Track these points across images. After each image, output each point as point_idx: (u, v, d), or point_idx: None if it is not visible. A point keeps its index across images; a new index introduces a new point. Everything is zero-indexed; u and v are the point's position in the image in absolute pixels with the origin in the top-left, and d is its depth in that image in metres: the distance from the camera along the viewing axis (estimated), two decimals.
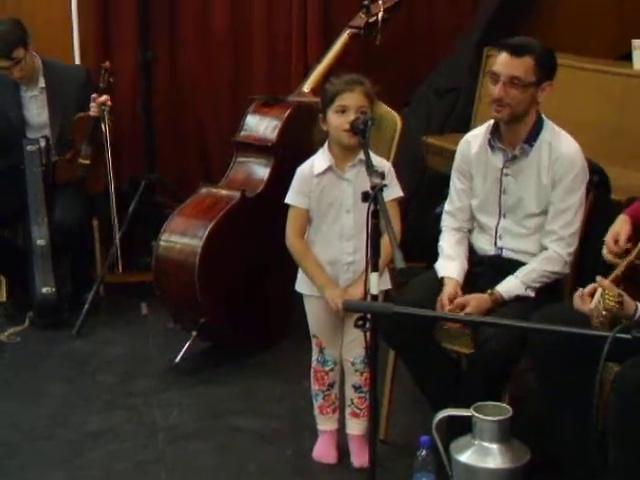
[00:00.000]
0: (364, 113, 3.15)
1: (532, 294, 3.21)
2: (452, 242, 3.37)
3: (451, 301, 3.19)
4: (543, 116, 3.26)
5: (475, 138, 3.37)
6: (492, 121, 3.30)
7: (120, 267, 4.57)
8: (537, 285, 3.21)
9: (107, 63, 4.61)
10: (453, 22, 5.33)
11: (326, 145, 3.29)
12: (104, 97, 4.49)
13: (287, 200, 3.33)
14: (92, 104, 4.50)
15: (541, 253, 3.24)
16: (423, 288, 3.29)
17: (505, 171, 3.27)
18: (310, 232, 3.34)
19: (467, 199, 3.39)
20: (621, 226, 3.01)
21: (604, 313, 2.58)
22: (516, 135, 3.24)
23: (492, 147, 3.29)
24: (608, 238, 2.98)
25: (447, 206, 3.44)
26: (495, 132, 3.29)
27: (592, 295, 2.66)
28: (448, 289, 3.23)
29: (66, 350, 4.36)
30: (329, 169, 3.27)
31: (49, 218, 4.57)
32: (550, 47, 3.27)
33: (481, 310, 3.14)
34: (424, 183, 4.93)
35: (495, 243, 3.34)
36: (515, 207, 3.29)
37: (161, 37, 5.18)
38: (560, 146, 3.21)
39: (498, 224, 3.32)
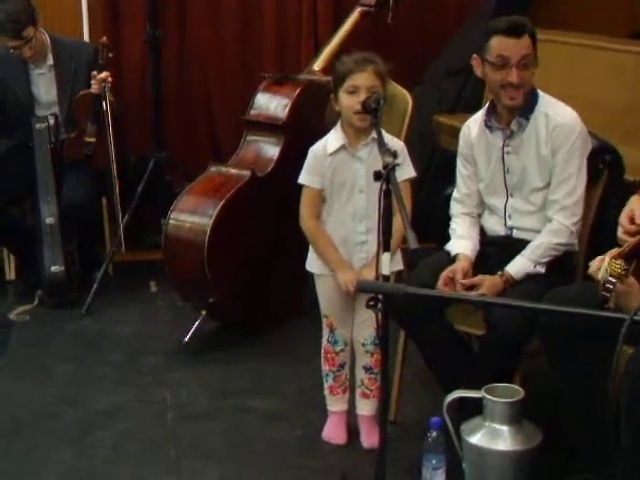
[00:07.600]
0: (375, 93, 3.12)
1: (542, 270, 3.18)
2: (463, 225, 3.35)
3: (464, 276, 3.17)
4: (538, 89, 3.23)
5: (475, 122, 3.35)
6: (489, 102, 3.28)
7: (123, 247, 4.55)
8: (546, 260, 3.18)
9: (104, 38, 4.57)
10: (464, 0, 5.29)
11: (339, 124, 3.27)
12: (104, 74, 4.46)
13: (300, 180, 3.30)
14: (92, 81, 4.47)
15: (546, 227, 3.22)
16: (433, 269, 3.26)
17: (506, 149, 3.25)
18: (323, 212, 3.32)
19: (474, 185, 3.36)
20: (635, 205, 2.89)
21: (611, 279, 2.55)
22: (511, 111, 3.21)
23: (490, 127, 3.27)
24: (622, 218, 2.88)
25: (455, 193, 3.42)
26: (492, 112, 3.26)
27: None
28: (462, 263, 3.21)
29: (75, 329, 4.36)
30: (342, 148, 3.25)
31: (58, 196, 4.56)
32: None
33: (494, 292, 3.12)
34: (435, 163, 4.90)
35: (505, 223, 3.32)
36: (520, 184, 3.27)
37: (170, 13, 5.14)
38: (557, 115, 3.19)
39: (507, 203, 3.30)
